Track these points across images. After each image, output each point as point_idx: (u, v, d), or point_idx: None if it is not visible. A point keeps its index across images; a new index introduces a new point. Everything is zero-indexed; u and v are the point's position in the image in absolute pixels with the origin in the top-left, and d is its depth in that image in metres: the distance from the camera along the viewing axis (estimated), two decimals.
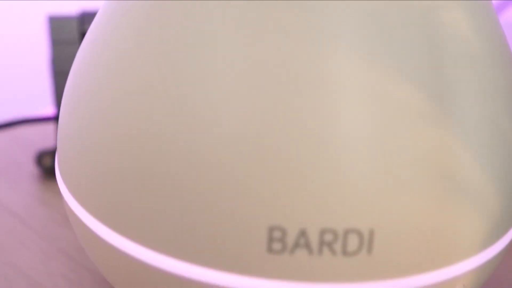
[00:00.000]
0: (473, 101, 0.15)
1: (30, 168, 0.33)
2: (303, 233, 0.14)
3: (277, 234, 0.14)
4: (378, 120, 0.14)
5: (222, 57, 0.14)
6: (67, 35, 0.31)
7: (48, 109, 0.44)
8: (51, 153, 0.32)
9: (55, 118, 0.31)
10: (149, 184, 0.14)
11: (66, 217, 0.28)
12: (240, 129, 0.14)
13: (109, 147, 0.15)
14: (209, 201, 0.14)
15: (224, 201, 0.14)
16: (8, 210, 0.28)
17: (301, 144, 0.13)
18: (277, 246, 0.14)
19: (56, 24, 0.30)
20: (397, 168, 0.14)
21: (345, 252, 0.14)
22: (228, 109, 0.14)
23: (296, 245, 0.14)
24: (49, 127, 0.38)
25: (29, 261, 0.24)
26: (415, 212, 0.14)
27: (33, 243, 0.26)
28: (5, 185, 0.31)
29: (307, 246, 0.14)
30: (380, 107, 0.14)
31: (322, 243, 0.14)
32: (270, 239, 0.14)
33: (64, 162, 0.17)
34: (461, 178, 0.14)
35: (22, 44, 0.95)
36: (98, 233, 0.16)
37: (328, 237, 0.14)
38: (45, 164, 0.31)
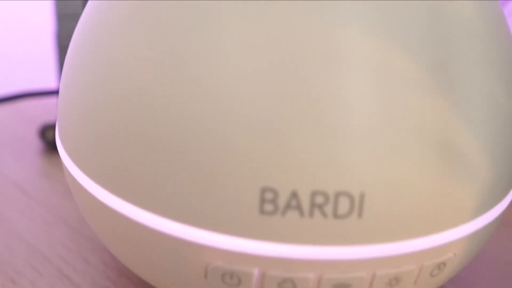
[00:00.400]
0: (470, 70, 0.15)
1: (34, 142, 0.33)
2: (294, 195, 0.14)
3: (269, 195, 0.14)
4: (373, 85, 0.14)
5: (227, 23, 0.14)
6: (72, 9, 0.31)
7: (52, 84, 0.44)
8: (54, 127, 0.32)
9: (58, 92, 0.32)
10: (145, 146, 0.15)
11: (68, 189, 0.28)
12: (234, 92, 0.14)
13: (106, 110, 0.15)
14: (203, 163, 0.14)
15: (217, 162, 0.14)
16: (12, 182, 0.29)
17: (295, 106, 0.14)
18: (269, 207, 0.14)
19: None
20: (389, 133, 0.14)
21: (336, 215, 0.14)
22: (223, 72, 0.14)
23: (288, 206, 0.14)
24: (52, 101, 0.39)
25: (31, 230, 0.25)
26: (407, 177, 0.14)
27: (36, 214, 0.26)
28: (9, 158, 0.31)
29: (299, 208, 0.14)
30: (376, 72, 0.14)
31: (313, 205, 0.14)
32: (262, 200, 0.14)
33: (64, 127, 0.17)
34: (455, 144, 0.14)
35: (27, 19, 0.95)
36: (96, 195, 0.16)
37: (319, 199, 0.14)
38: (48, 138, 0.32)
